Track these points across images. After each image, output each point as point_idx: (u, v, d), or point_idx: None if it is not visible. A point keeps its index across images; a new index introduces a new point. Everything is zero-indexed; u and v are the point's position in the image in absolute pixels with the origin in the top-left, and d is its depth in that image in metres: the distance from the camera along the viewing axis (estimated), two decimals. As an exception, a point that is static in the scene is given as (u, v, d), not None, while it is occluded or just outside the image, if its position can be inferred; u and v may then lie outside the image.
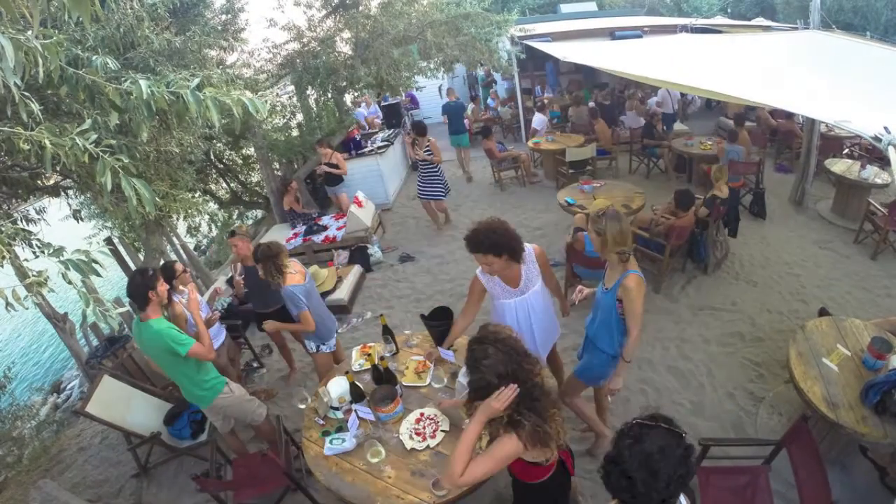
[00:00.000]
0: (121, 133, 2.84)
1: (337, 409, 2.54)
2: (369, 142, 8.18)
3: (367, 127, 9.36)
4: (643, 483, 1.18)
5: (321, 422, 2.54)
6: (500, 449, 1.63)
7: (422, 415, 2.45)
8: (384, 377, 2.58)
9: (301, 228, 6.30)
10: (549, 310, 2.73)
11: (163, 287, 2.56)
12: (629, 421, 1.29)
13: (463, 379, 2.49)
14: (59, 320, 4.35)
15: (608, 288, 2.39)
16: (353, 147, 7.77)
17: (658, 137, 7.52)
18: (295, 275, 2.92)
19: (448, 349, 2.78)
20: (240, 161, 8.32)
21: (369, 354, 2.92)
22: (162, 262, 3.51)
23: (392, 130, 8.88)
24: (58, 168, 2.85)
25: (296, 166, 7.50)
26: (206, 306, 3.39)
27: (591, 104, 8.90)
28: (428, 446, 2.28)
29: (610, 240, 2.29)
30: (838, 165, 5.96)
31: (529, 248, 2.51)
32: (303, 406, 2.67)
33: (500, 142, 8.86)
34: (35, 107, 1.71)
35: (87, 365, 4.26)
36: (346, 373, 2.62)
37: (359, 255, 5.81)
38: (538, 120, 8.23)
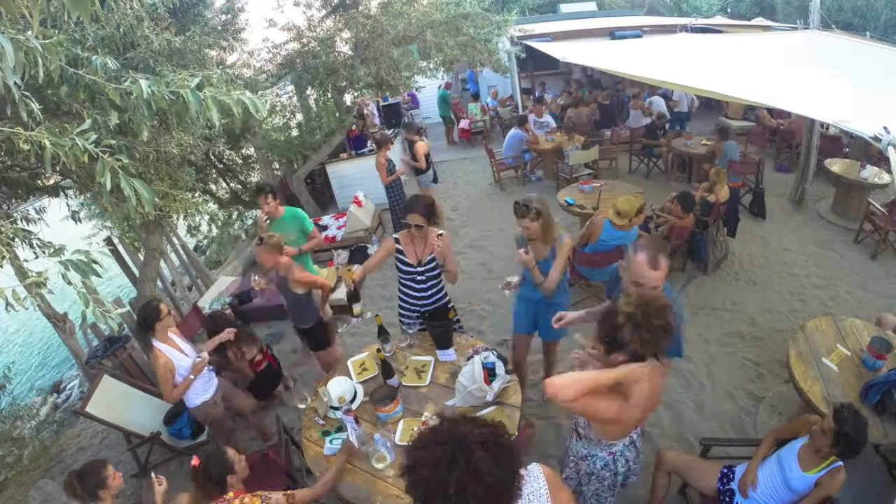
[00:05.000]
0: (121, 133, 2.84)
1: (337, 409, 2.53)
2: (369, 141, 8.18)
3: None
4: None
5: (321, 422, 2.54)
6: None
7: (424, 423, 2.43)
8: (385, 370, 2.58)
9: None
10: None
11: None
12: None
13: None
14: (59, 320, 4.33)
15: (545, 258, 2.80)
16: (353, 146, 7.77)
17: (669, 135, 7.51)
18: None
19: (449, 349, 2.78)
20: (240, 161, 8.31)
21: (366, 369, 2.91)
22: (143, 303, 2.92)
23: (392, 130, 8.88)
24: (57, 168, 2.84)
25: (296, 166, 7.50)
26: (192, 351, 2.94)
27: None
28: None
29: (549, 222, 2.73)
30: (838, 165, 5.96)
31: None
32: (303, 406, 2.66)
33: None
34: (35, 106, 1.71)
35: (87, 365, 4.26)
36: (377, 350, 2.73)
37: (359, 254, 5.81)
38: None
